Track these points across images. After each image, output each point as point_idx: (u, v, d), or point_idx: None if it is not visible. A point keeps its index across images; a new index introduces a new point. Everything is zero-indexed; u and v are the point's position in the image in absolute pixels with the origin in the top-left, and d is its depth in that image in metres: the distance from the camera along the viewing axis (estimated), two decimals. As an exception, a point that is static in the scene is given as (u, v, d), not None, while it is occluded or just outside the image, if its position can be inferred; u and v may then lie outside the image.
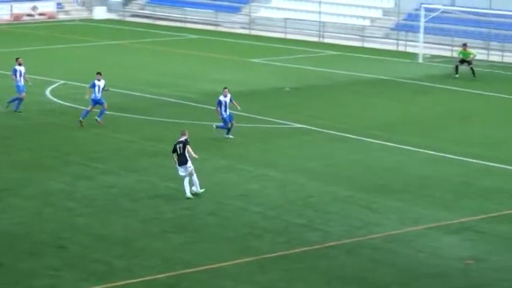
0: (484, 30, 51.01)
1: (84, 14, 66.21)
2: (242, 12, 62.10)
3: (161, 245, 20.56)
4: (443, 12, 51.11)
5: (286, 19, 57.99)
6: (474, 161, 27.80)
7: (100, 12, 65.45)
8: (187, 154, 23.92)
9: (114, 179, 25.58)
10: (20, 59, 34.51)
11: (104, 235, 21.25)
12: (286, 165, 27.18)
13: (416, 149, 29.10)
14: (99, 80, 32.21)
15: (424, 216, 22.61)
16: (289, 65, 45.98)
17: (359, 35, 54.36)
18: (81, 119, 31.71)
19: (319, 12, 57.08)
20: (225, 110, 29.95)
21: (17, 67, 34.05)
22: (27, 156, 27.83)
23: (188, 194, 23.79)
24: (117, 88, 38.47)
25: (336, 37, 55.66)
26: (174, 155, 24.14)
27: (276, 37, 56.38)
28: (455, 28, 52.22)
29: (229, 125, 30.14)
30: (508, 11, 50.77)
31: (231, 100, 30.15)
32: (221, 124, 30.32)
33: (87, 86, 32.47)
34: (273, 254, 19.96)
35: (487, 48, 49.15)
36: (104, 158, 27.74)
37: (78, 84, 38.83)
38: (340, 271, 19.13)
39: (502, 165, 27.21)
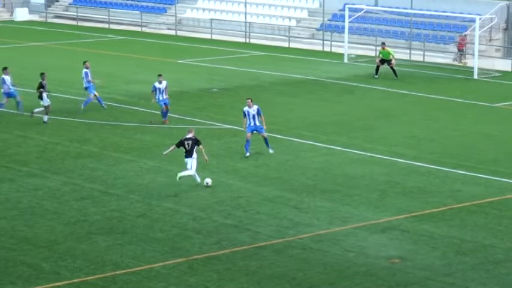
0: (406, 30, 51.88)
1: (5, 16, 65.00)
2: (168, 13, 61.86)
3: (89, 247, 20.35)
4: (366, 12, 51.84)
5: (212, 20, 57.99)
6: (399, 160, 28.22)
7: (22, 14, 64.35)
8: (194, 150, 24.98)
9: (39, 181, 25.23)
10: (87, 63, 34.73)
11: (29, 238, 20.93)
12: (215, 166, 27.16)
13: (344, 149, 29.41)
14: (160, 83, 32.48)
15: (352, 216, 22.86)
16: (216, 66, 45.97)
17: (285, 36, 54.68)
18: (164, 119, 32.54)
19: (245, 13, 57.23)
20: (252, 122, 28.18)
21: (85, 70, 34.37)
22: None
23: (180, 175, 24.77)
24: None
25: (263, 38, 55.89)
26: (177, 148, 25.16)
27: (203, 38, 56.33)
28: (379, 28, 52.99)
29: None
30: (428, 10, 51.76)
31: (258, 113, 28.32)
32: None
33: (151, 90, 32.91)
34: (203, 255, 19.93)
35: (409, 48, 49.99)
36: (27, 161, 27.33)
37: None
38: (270, 271, 19.20)
39: (426, 164, 27.69)
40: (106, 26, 60.87)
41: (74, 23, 62.82)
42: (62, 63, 45.68)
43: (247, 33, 56.14)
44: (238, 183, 25.53)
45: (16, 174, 25.88)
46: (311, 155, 28.75)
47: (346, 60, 47.80)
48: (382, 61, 43.21)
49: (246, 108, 28.45)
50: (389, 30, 52.60)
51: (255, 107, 28.41)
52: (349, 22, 48.71)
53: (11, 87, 33.34)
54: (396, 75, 42.75)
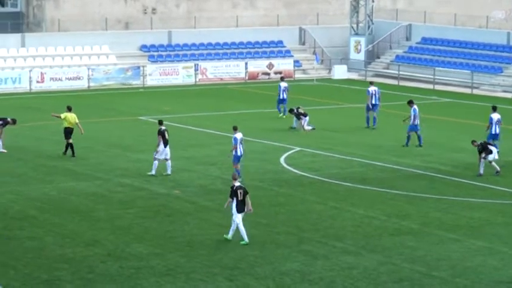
0: None
1: (322, 73, 67.98)
2: (505, 73, 61.32)
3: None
4: None
5: (558, 81, 56.77)
6: None
7: (340, 72, 66.92)
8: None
9: (354, 260, 25.88)
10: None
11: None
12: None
13: None
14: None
15: None
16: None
17: None
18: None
19: None
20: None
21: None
22: (261, 231, 28.66)
23: (228, 235, 26.98)
24: (356, 157, 39.11)
25: None
26: (232, 200, 27.01)
27: (546, 103, 55.28)
28: None
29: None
30: None
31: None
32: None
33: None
34: None
35: None
36: (341, 236, 28.15)
37: (314, 151, 39.79)
38: None
39: None
40: (430, 86, 61.50)
41: (394, 82, 64.14)
42: (383, 127, 46.69)
43: None
44: None
45: (330, 250, 26.77)
46: None
47: None
48: None
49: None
50: None
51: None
52: None
53: None
54: None
